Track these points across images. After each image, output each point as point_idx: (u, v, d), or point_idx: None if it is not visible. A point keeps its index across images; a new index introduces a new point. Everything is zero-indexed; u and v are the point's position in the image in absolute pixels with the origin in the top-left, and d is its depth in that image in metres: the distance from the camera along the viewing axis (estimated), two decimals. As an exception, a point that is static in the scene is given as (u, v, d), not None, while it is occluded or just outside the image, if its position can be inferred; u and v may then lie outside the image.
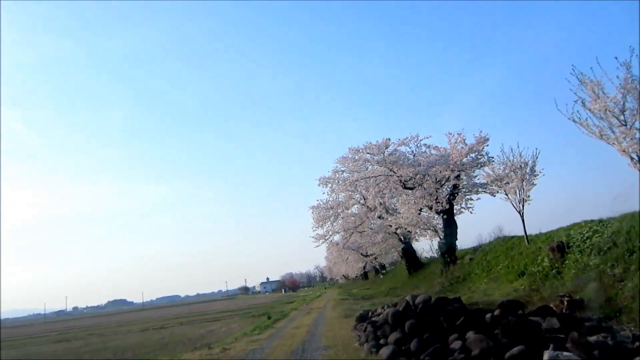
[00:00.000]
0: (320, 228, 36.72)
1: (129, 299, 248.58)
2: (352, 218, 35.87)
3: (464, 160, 24.27)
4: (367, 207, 35.70)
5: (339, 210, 36.07)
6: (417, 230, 28.09)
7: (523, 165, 17.96)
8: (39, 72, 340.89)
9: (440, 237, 26.58)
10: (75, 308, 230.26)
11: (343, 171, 36.97)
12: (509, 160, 18.50)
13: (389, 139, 23.01)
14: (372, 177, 23.96)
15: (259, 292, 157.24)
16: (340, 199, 36.60)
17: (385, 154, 23.32)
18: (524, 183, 17.91)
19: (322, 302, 35.82)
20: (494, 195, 24.03)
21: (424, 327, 9.66)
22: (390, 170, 23.70)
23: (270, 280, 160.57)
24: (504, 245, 20.70)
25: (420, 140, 25.87)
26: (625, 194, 13.27)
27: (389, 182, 24.05)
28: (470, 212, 25.51)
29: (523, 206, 18.15)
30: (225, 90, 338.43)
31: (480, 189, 24.18)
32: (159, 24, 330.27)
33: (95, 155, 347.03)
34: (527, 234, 18.48)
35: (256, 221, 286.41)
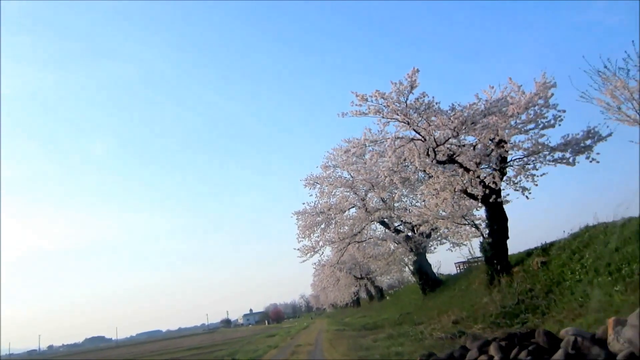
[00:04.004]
0: (307, 238, 27.51)
1: (107, 336, 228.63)
2: (350, 222, 26.69)
3: (522, 117, 15.63)
4: (367, 210, 26.70)
5: (332, 214, 26.89)
6: (449, 227, 18.95)
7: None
8: (19, 104, 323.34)
9: (484, 236, 17.56)
10: (50, 347, 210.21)
11: (335, 166, 28.75)
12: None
13: (417, 71, 13.93)
14: (389, 138, 14.87)
15: (242, 324, 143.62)
16: (333, 202, 27.64)
17: (409, 101, 14.36)
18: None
19: (312, 334, 26.04)
20: (573, 164, 15.34)
21: None
22: (414, 128, 14.77)
23: (254, 311, 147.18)
24: (627, 230, 11.78)
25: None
26: None
27: (412, 151, 15.05)
28: (527, 197, 16.61)
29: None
30: (204, 120, 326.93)
31: (553, 155, 15.31)
32: (138, 58, 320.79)
33: (72, 188, 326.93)
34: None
35: (238, 252, 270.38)
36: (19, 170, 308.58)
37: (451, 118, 13.51)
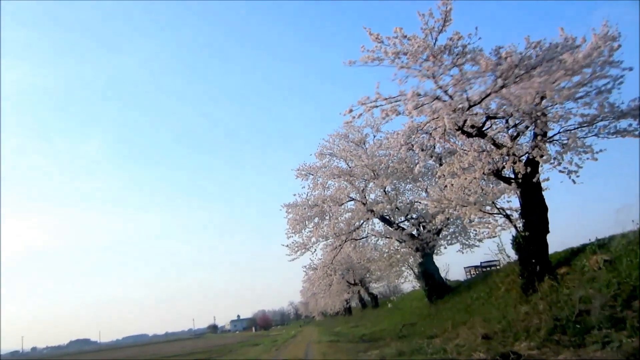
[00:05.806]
0: (297, 234, 23.67)
1: (93, 339, 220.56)
2: (347, 215, 22.87)
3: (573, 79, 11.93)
4: (367, 202, 22.90)
5: (326, 207, 23.06)
6: (473, 218, 15.07)
7: None
8: (12, 101, 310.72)
9: (517, 229, 13.79)
10: (34, 348, 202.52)
11: (332, 155, 25.05)
12: None
13: (450, 5, 10.14)
14: (408, 94, 11.11)
15: (229, 330, 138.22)
16: (328, 194, 23.85)
17: (436, 47, 10.68)
18: None
19: (301, 346, 22.01)
20: (643, 136, 11.68)
21: None
22: (441, 85, 11.05)
23: (242, 317, 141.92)
24: None
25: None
26: None
27: (441, 110, 11.33)
28: (573, 180, 12.91)
29: None
30: (196, 121, 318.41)
31: (616, 125, 11.64)
32: (134, 54, 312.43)
33: (61, 187, 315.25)
34: None
35: (228, 256, 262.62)
36: (3, 169, 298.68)
37: (502, 57, 9.76)
